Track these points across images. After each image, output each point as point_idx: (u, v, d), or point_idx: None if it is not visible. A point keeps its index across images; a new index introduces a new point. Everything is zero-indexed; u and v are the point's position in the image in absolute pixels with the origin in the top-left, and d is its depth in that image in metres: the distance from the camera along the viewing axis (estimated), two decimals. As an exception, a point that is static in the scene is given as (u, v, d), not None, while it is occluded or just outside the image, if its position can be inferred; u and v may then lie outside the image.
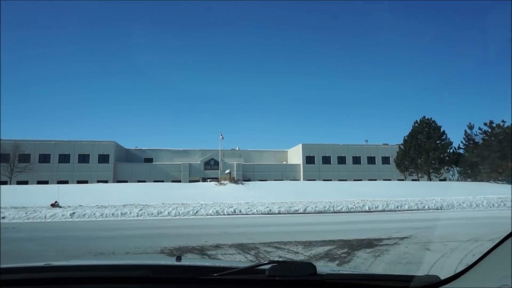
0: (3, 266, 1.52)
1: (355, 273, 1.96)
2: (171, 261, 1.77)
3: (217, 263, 1.76)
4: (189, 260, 1.94)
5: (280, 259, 5.64)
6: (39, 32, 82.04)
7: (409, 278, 1.26)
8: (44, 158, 45.65)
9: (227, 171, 38.78)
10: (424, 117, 43.42)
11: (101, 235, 9.34)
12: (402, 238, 7.76)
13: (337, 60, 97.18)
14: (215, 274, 1.38)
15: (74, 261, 1.98)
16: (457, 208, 19.78)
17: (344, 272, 1.77)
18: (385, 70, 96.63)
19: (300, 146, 51.35)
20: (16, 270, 1.55)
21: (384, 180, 42.68)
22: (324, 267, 1.53)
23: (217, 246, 7.19)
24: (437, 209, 19.45)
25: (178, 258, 1.77)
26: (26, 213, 16.27)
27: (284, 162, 53.99)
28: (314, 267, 1.33)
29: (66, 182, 40.43)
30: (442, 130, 42.15)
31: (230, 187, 30.30)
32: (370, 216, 14.92)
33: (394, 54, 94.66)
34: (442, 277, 1.24)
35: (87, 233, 9.99)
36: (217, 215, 16.74)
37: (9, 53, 72.98)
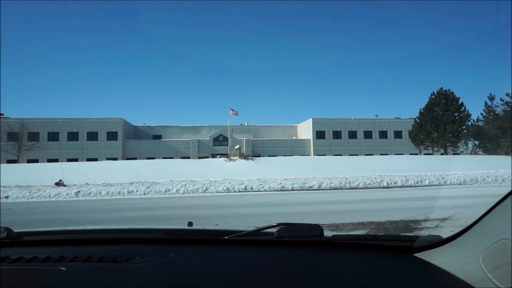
0: (18, 230, 1.48)
1: (359, 234, 2.01)
2: (183, 226, 1.77)
3: (228, 228, 1.75)
4: (200, 226, 1.89)
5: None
6: (45, 5, 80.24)
7: (413, 238, 1.26)
8: (53, 136, 45.48)
9: (237, 146, 37.90)
10: (441, 88, 41.30)
11: (100, 218, 8.52)
12: (442, 220, 6.74)
13: (348, 31, 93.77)
14: (225, 237, 1.40)
15: (86, 226, 1.95)
16: (481, 182, 18.62)
17: (349, 233, 1.71)
18: (398, 42, 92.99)
19: (310, 121, 50.03)
20: (32, 233, 1.54)
21: (396, 154, 41.38)
22: (329, 232, 1.44)
23: (230, 231, 6.28)
24: (460, 184, 18.30)
25: (190, 224, 1.78)
26: (29, 192, 15.69)
27: (294, 137, 52.90)
28: (321, 228, 1.33)
29: (76, 160, 40.18)
30: (460, 102, 40.19)
31: (240, 163, 29.45)
32: (392, 193, 13.90)
33: (407, 23, 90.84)
34: None
35: (85, 215, 9.18)
36: (227, 192, 15.95)
37: (14, 30, 71.72)
